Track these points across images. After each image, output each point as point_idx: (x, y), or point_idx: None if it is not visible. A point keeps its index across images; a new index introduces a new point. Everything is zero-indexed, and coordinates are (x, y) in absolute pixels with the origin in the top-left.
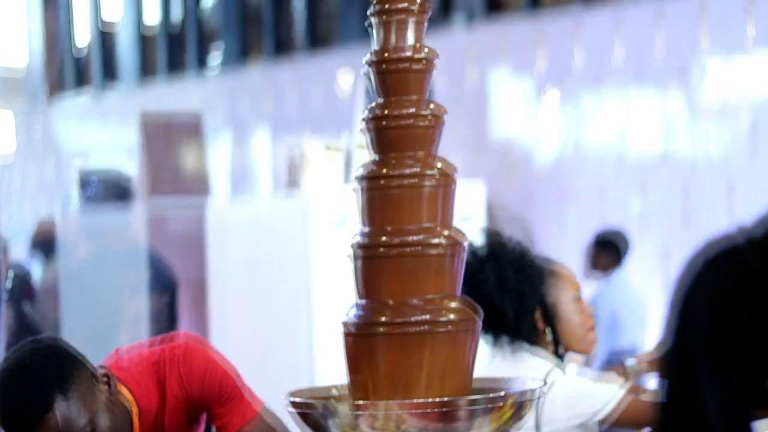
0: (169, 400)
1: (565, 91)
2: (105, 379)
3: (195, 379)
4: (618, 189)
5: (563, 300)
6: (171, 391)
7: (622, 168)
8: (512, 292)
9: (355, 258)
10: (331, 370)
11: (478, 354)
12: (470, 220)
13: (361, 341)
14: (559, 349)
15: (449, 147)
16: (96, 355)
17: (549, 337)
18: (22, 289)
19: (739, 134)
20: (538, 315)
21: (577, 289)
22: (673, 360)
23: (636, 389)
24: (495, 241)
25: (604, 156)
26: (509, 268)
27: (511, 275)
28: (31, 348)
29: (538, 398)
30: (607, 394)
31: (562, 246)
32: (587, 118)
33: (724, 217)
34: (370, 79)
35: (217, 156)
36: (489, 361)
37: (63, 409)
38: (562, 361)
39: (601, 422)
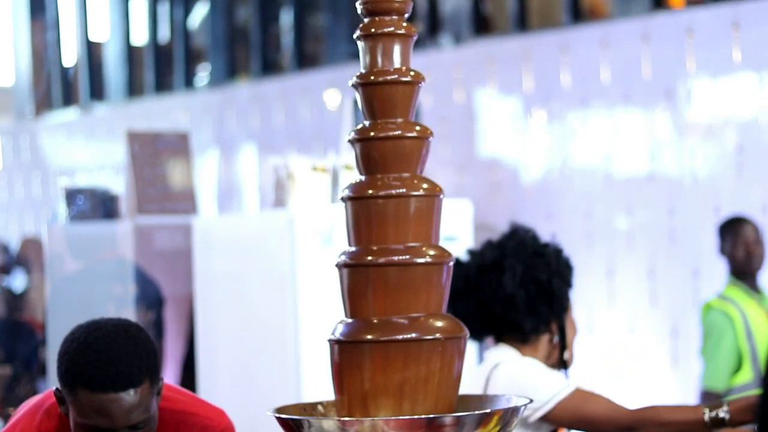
0: None
1: (552, 110)
2: (160, 391)
3: None
4: (604, 208)
5: (569, 311)
6: None
7: (609, 187)
8: (565, 283)
9: (342, 277)
10: (318, 385)
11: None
12: (457, 239)
13: (347, 359)
14: (564, 353)
15: (436, 165)
16: None
17: (556, 339)
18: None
19: (725, 154)
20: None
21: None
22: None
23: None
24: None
25: (591, 175)
26: (562, 261)
27: (564, 268)
28: (137, 327)
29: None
30: (554, 388)
31: None
32: (574, 138)
33: (710, 236)
34: (356, 100)
35: (204, 173)
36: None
37: (144, 393)
38: (566, 367)
39: (543, 420)
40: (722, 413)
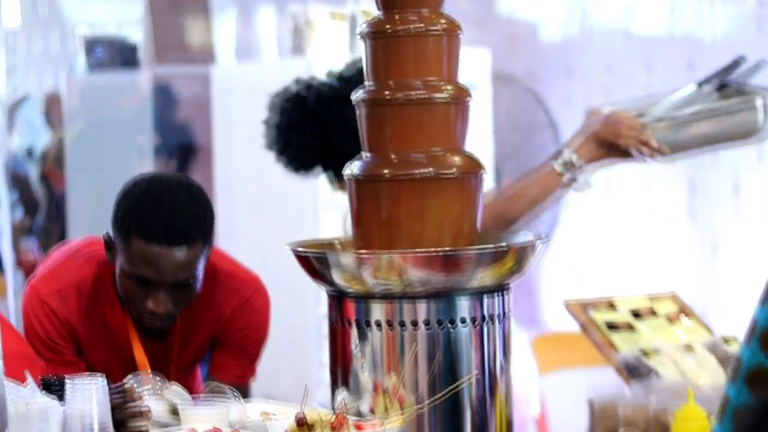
0: (214, 315)
1: None
2: (208, 256)
3: (243, 320)
4: (624, 64)
5: None
6: (220, 310)
7: (629, 43)
8: None
9: (360, 113)
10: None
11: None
12: (477, 87)
13: (364, 195)
14: None
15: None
16: (103, 218)
17: None
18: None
19: (745, 11)
20: None
21: None
22: None
23: None
24: None
25: (611, 31)
26: None
27: None
28: (198, 187)
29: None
30: None
31: (568, 118)
32: None
33: None
34: None
35: (222, 30)
36: None
37: (195, 253)
38: None
39: None
40: (567, 155)
